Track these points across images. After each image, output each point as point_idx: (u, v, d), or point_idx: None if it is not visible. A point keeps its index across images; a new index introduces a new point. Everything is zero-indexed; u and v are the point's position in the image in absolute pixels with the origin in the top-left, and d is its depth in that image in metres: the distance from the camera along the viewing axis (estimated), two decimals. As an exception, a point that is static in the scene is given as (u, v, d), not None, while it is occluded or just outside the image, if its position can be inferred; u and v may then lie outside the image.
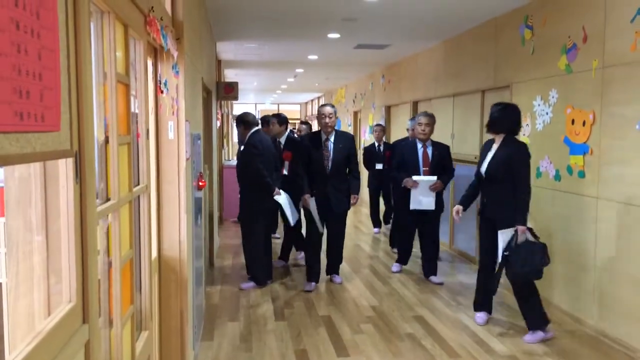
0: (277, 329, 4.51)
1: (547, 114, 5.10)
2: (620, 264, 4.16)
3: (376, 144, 8.41)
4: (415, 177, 5.65)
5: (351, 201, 5.63)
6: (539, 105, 5.24)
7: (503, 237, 4.20)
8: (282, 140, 6.66)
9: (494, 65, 6.22)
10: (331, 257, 5.86)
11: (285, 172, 6.46)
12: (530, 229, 4.23)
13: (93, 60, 1.66)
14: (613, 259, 4.24)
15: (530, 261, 4.08)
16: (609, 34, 4.28)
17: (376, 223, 8.75)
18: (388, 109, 10.73)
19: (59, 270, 1.37)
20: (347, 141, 5.66)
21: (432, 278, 5.89)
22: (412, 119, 7.16)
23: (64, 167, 1.32)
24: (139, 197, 2.36)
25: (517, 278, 4.21)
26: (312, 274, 5.69)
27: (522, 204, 4.20)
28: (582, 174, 4.58)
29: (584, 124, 4.55)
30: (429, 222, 5.89)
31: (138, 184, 2.34)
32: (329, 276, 5.90)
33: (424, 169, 5.75)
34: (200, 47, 4.88)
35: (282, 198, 5.68)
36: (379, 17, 6.30)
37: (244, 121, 5.70)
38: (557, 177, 4.92)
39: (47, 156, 1.09)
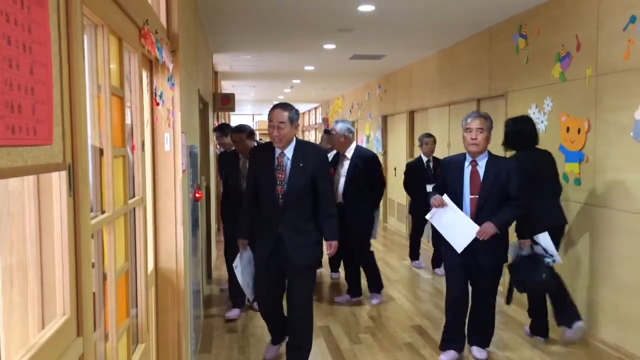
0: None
1: (542, 122, 5.13)
2: (616, 270, 4.16)
3: (424, 159, 6.61)
4: (447, 199, 3.83)
5: (326, 250, 3.84)
6: (533, 113, 5.26)
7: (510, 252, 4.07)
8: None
9: (489, 74, 6.26)
10: (292, 334, 3.83)
11: None
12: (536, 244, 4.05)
13: (87, 73, 1.67)
14: (610, 266, 4.24)
15: (530, 279, 4.02)
16: (602, 42, 4.31)
17: (415, 255, 7.08)
18: (385, 118, 10.76)
19: (52, 283, 1.36)
20: (313, 156, 3.70)
21: (475, 351, 4.05)
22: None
23: (58, 180, 1.32)
24: (134, 209, 2.37)
25: (526, 292, 4.25)
26: (273, 334, 4.13)
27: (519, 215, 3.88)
28: (578, 182, 4.59)
29: (579, 131, 4.57)
30: (483, 274, 3.92)
31: (134, 196, 2.35)
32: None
33: (471, 196, 3.78)
34: (196, 59, 4.90)
35: (239, 267, 3.97)
36: (374, 27, 6.34)
37: (249, 131, 5.13)
38: (553, 184, 4.92)
39: (39, 169, 1.09)
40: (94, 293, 1.75)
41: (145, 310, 2.46)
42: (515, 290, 4.14)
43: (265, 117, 26.32)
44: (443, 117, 7.71)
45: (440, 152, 6.80)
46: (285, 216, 3.60)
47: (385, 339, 4.50)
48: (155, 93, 3.08)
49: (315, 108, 20.91)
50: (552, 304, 4.24)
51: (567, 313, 4.14)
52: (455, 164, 3.93)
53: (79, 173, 1.38)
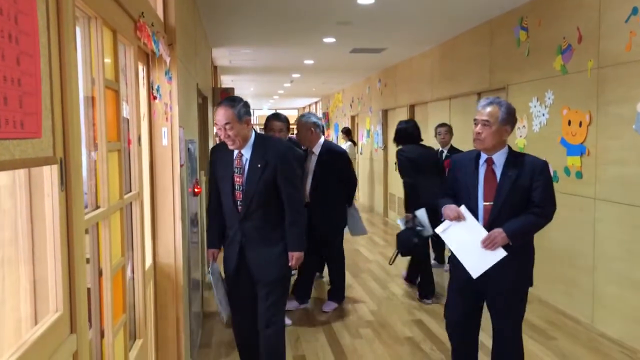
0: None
1: (543, 115, 5.09)
2: (618, 264, 4.14)
3: (440, 151, 6.11)
4: (466, 211, 3.00)
5: (290, 262, 3.27)
6: (535, 106, 5.23)
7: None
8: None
9: (490, 68, 6.22)
10: None
11: None
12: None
13: (80, 66, 1.64)
14: (611, 259, 4.22)
15: (407, 242, 4.94)
16: (603, 34, 4.27)
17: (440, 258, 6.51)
18: (385, 112, 10.72)
19: (45, 279, 1.34)
20: (274, 154, 3.19)
21: None
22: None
23: (49, 175, 1.30)
24: (131, 204, 2.34)
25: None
26: None
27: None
28: (579, 175, 4.57)
29: (580, 124, 4.54)
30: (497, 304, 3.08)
31: (130, 191, 2.32)
32: None
33: (485, 203, 2.98)
34: (195, 53, 4.87)
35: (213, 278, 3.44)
36: (373, 20, 6.30)
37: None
38: (555, 178, 4.90)
39: (27, 163, 1.07)
40: (89, 289, 1.73)
41: (143, 306, 2.44)
42: (398, 254, 5.07)
43: (265, 112, 26.30)
44: (444, 110, 7.67)
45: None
46: (246, 225, 3.19)
47: (386, 334, 4.48)
48: (153, 87, 3.05)
49: (316, 102, 20.86)
50: (420, 275, 5.38)
51: (428, 288, 5.28)
52: (467, 162, 3.10)
53: (71, 167, 1.36)
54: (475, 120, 3.00)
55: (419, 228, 4.87)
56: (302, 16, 6.17)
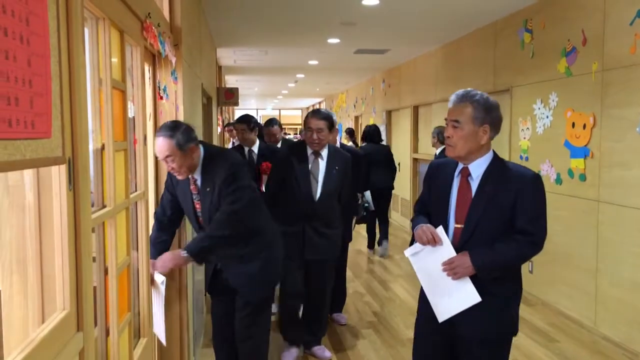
0: (278, 335, 4.49)
1: (547, 117, 5.09)
2: (621, 267, 4.14)
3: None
4: (443, 234, 2.32)
5: (167, 260, 2.86)
6: (539, 108, 5.23)
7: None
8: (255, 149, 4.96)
9: (494, 69, 6.22)
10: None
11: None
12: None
13: (88, 66, 1.65)
14: (614, 262, 4.22)
15: (358, 213, 5.86)
16: (608, 37, 4.27)
17: None
18: (389, 113, 10.73)
19: (52, 278, 1.36)
20: (218, 174, 2.90)
21: None
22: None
23: (57, 174, 1.31)
24: (136, 203, 2.36)
25: None
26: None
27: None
28: (583, 177, 4.57)
29: (584, 127, 4.54)
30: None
31: (135, 191, 2.34)
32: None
33: (456, 225, 2.33)
34: (200, 53, 4.88)
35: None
36: (378, 21, 6.31)
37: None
38: (558, 180, 4.90)
39: (37, 163, 1.08)
40: (95, 287, 1.74)
41: (148, 305, 2.46)
42: (355, 223, 5.65)
43: (269, 112, 26.30)
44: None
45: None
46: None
47: (389, 335, 4.49)
48: (159, 87, 3.07)
49: (320, 103, 20.88)
50: (367, 232, 7.51)
51: (373, 240, 7.49)
52: (443, 169, 2.44)
53: (79, 167, 1.37)
54: (446, 120, 2.37)
55: (366, 205, 6.18)
56: (307, 17, 6.19)
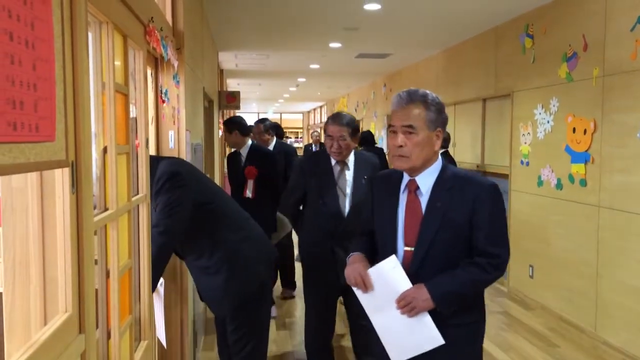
0: (279, 338, 4.49)
1: (548, 122, 5.10)
2: (621, 272, 4.14)
3: None
4: (372, 271, 2.02)
5: None
6: (540, 113, 5.24)
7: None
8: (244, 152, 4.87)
9: (495, 74, 6.23)
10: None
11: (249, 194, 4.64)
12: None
13: (91, 70, 1.66)
14: (615, 267, 4.22)
15: None
16: (609, 42, 4.28)
17: None
18: (390, 117, 10.75)
19: (55, 280, 1.36)
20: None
21: None
22: None
23: (60, 177, 1.32)
24: (138, 206, 2.36)
25: None
26: None
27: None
28: (583, 183, 4.57)
29: (585, 132, 4.55)
30: None
31: (137, 194, 2.34)
32: None
33: (406, 248, 2.01)
34: (202, 56, 4.90)
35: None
36: (379, 26, 6.33)
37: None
38: (559, 185, 4.91)
39: (41, 166, 1.09)
40: (96, 290, 1.75)
41: (148, 308, 2.46)
42: None
43: (270, 115, 26.31)
44: (449, 116, 7.68)
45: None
46: (187, 262, 2.90)
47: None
48: (161, 91, 3.08)
49: (321, 107, 20.91)
50: None
51: None
52: (387, 183, 2.14)
53: (82, 170, 1.38)
54: (391, 127, 2.07)
55: None
56: (309, 21, 6.21)
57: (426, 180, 2.02)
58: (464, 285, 1.94)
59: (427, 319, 1.94)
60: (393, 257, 1.96)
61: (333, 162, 3.31)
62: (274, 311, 4.24)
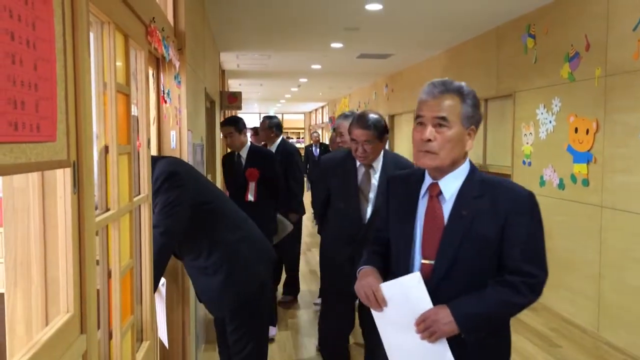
0: (280, 338, 4.49)
1: (550, 122, 5.09)
2: (624, 272, 4.13)
3: None
4: (389, 285, 1.75)
5: None
6: (542, 113, 5.23)
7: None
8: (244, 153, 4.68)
9: (497, 74, 6.22)
10: None
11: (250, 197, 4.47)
12: None
13: (92, 70, 1.66)
14: (617, 267, 4.21)
15: None
16: (611, 43, 4.28)
17: None
18: (392, 118, 10.73)
19: (56, 280, 1.36)
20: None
21: None
22: None
23: (62, 177, 1.32)
24: (139, 206, 2.36)
25: None
26: None
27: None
28: (585, 183, 4.56)
29: (587, 132, 4.54)
30: None
31: (139, 194, 2.34)
32: None
33: (424, 261, 1.73)
34: (204, 57, 4.90)
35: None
36: (381, 26, 6.32)
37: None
38: (561, 185, 4.90)
39: (42, 166, 1.09)
40: (98, 290, 1.75)
41: (150, 308, 2.46)
42: None
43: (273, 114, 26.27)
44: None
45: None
46: (184, 263, 2.84)
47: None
48: (163, 91, 3.08)
49: (322, 107, 20.90)
50: None
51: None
52: (406, 184, 1.88)
53: (84, 170, 1.38)
54: (419, 118, 1.74)
55: None
56: (310, 21, 6.21)
57: (451, 185, 1.74)
58: (493, 307, 1.66)
59: (443, 344, 1.69)
60: (417, 274, 1.70)
61: (358, 163, 3.13)
62: (273, 330, 4.18)
